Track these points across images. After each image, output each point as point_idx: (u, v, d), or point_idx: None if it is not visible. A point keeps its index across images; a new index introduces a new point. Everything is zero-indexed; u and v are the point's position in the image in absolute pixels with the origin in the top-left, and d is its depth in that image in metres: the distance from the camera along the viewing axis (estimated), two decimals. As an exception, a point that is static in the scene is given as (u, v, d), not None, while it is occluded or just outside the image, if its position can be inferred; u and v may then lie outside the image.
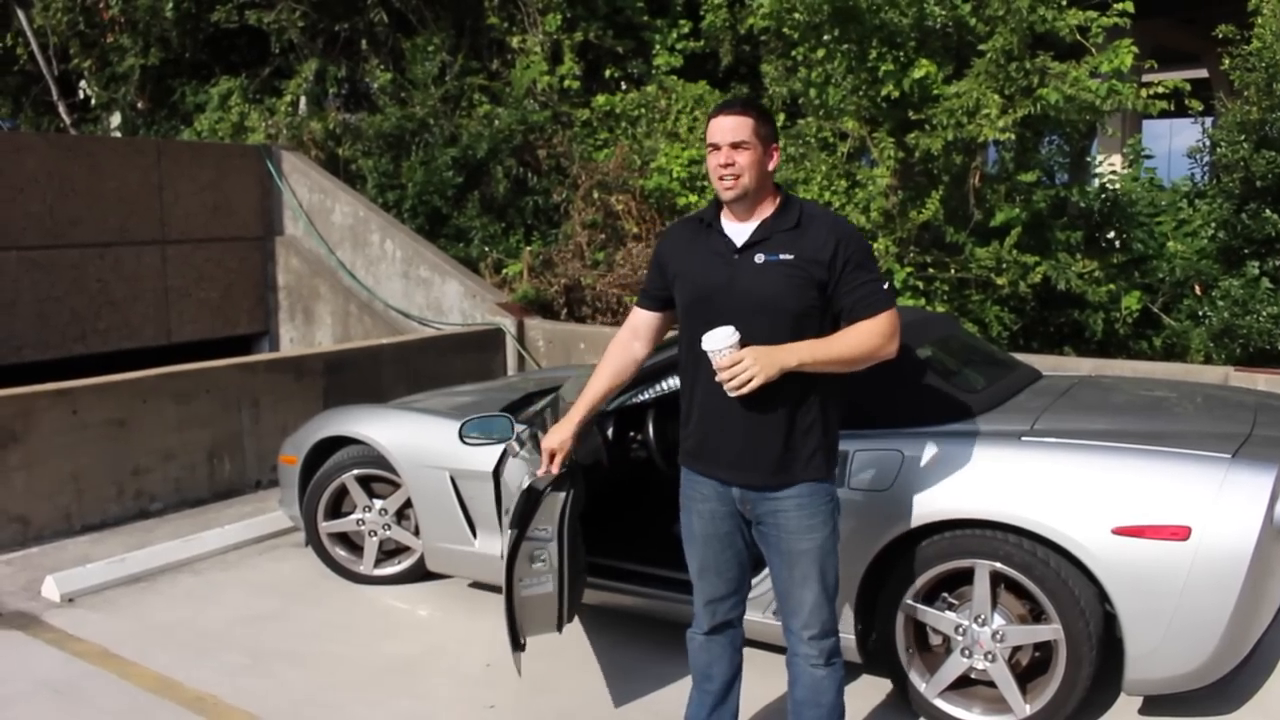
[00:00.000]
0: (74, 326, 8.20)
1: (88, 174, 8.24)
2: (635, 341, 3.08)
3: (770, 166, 2.82)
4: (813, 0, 6.82)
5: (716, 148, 2.77)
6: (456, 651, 4.17)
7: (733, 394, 2.63)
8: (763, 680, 3.63)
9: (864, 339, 2.72)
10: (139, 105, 12.08)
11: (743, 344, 2.64)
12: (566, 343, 7.96)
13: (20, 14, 12.11)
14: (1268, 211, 7.23)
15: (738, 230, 2.83)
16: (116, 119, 12.30)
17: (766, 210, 2.83)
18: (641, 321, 3.07)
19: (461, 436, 4.22)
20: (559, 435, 3.15)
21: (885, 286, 2.78)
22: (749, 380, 2.60)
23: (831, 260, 2.73)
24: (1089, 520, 3.22)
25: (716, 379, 2.65)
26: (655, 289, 3.02)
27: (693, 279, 2.85)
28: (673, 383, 4.24)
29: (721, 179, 2.77)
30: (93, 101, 12.71)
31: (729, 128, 2.76)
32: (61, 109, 12.63)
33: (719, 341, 2.63)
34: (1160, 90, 6.98)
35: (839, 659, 2.91)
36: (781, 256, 2.74)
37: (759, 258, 2.76)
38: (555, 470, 3.19)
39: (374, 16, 11.13)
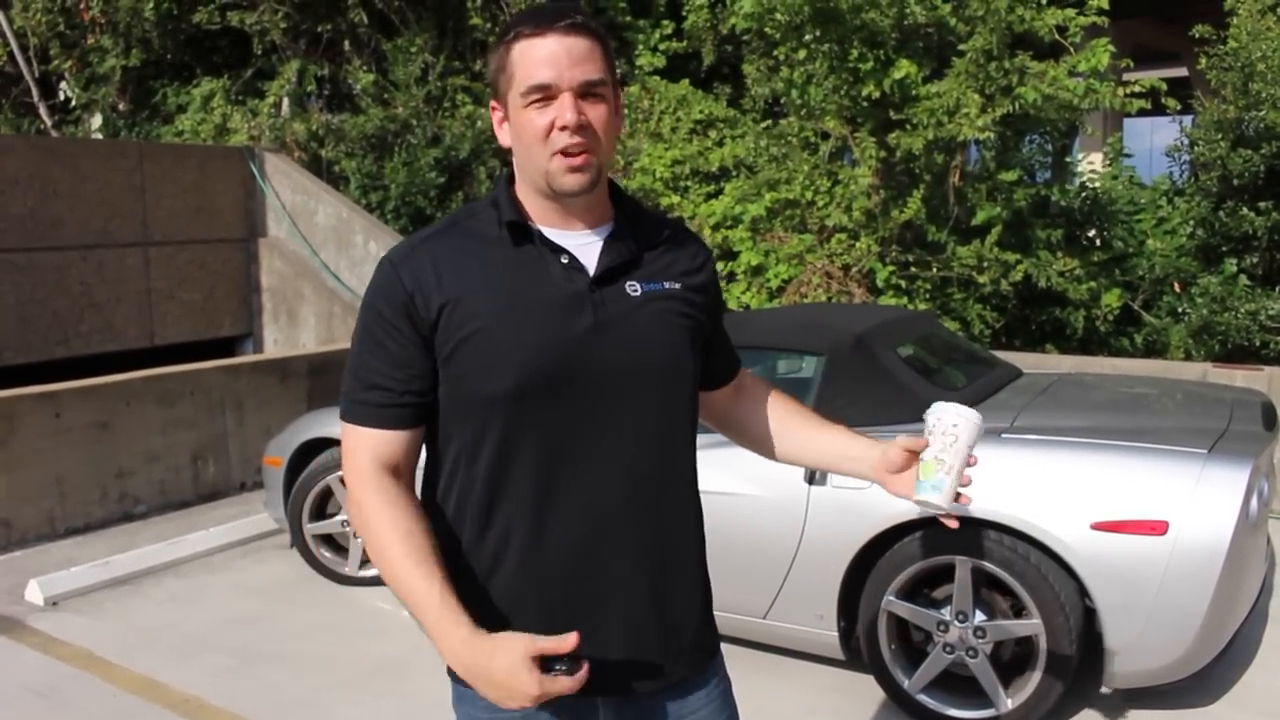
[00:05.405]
0: (56, 329, 8.16)
1: (69, 176, 8.20)
2: (405, 478, 1.59)
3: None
4: (793, 1, 6.86)
5: (546, 94, 1.50)
6: (442, 652, 4.18)
7: (951, 513, 1.74)
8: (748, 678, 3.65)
9: None
10: (120, 106, 12.03)
11: (641, 439, 1.60)
12: (551, 343, 7.96)
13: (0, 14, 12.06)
14: (1245, 209, 7.31)
15: (575, 243, 1.60)
16: (98, 120, 12.24)
17: (606, 206, 1.66)
18: (393, 449, 1.58)
19: None
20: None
21: None
22: None
23: (713, 290, 1.76)
24: (1068, 516, 3.26)
25: (925, 497, 1.67)
26: (406, 381, 1.56)
27: (520, 341, 1.53)
28: None
29: (566, 153, 1.51)
30: (73, 103, 12.65)
31: (578, 55, 1.50)
32: (42, 110, 12.56)
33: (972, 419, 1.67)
34: (1138, 89, 7.04)
35: None
36: (666, 285, 1.64)
37: (633, 288, 1.60)
38: None
39: (356, 17, 11.11)
